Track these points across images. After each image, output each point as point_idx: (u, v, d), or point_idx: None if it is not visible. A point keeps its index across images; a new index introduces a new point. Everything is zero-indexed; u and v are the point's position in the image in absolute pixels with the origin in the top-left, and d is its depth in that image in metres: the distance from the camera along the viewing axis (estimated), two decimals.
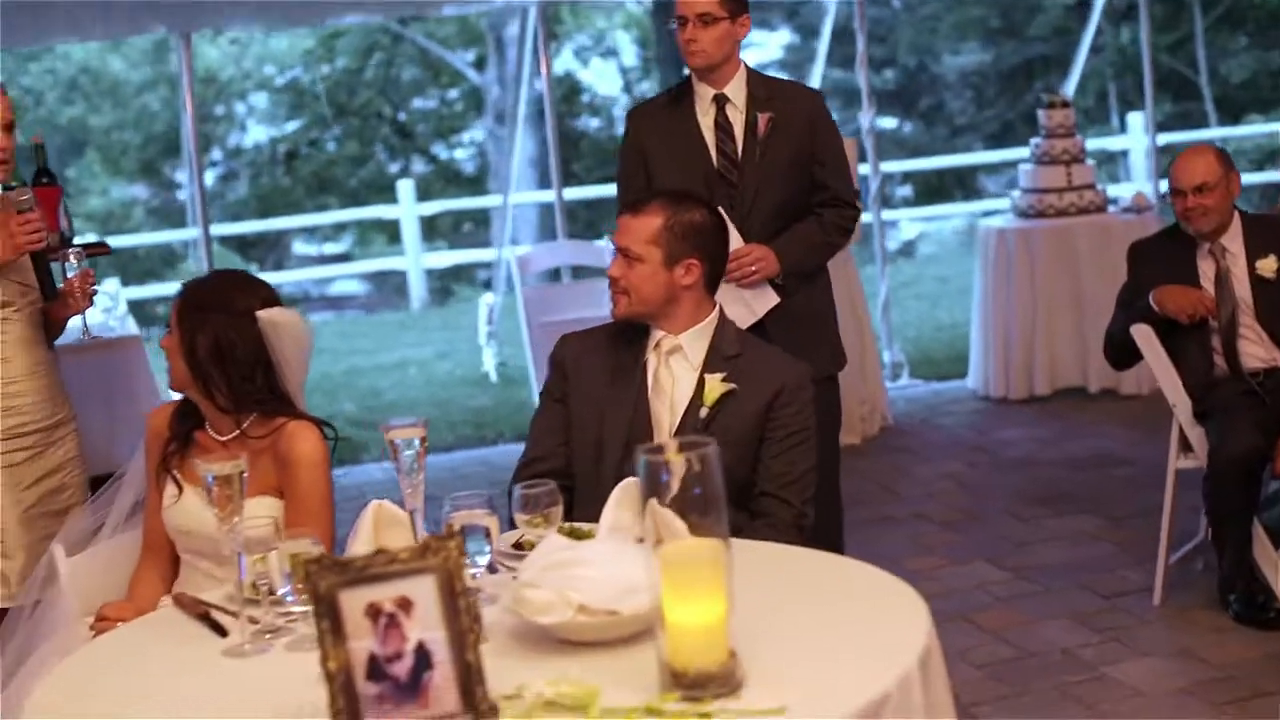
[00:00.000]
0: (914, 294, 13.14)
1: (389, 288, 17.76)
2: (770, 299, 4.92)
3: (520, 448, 4.17)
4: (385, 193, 18.98)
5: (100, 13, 8.00)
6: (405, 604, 2.52)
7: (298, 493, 3.62)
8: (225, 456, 3.67)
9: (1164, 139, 15.43)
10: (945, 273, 14.74)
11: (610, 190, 15.43)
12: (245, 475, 3.06)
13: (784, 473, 3.90)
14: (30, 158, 5.88)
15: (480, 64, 19.36)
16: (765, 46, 23.53)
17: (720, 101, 5.03)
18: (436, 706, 2.50)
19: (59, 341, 4.71)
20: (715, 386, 3.92)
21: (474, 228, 19.83)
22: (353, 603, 2.50)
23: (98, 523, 4.04)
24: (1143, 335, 5.59)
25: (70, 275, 4.57)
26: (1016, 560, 6.29)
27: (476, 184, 20.27)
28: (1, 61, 18.73)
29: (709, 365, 3.97)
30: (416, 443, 3.23)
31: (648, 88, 22.71)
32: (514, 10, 15.09)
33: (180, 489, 3.78)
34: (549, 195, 13.41)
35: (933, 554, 6.45)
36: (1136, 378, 8.64)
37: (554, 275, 9.94)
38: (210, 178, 21.19)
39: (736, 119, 5.03)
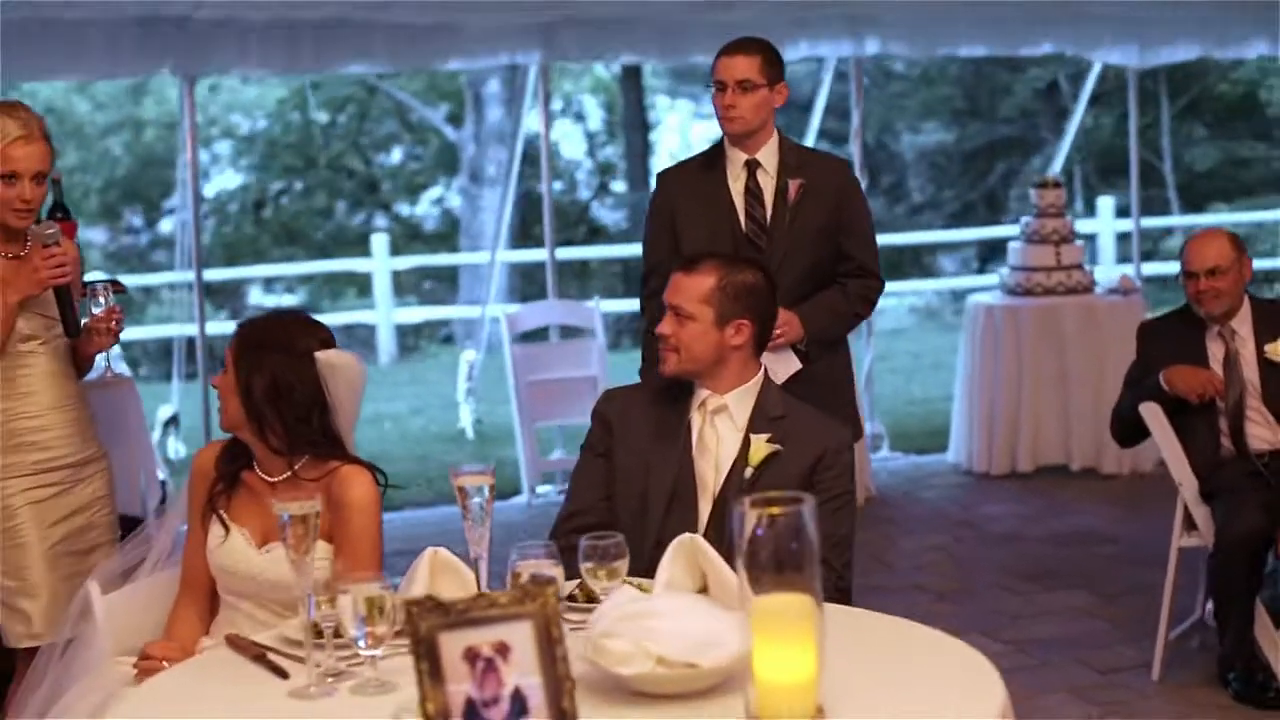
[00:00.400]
0: (888, 368, 13.23)
1: (355, 341, 17.73)
2: (792, 365, 4.96)
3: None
4: (351, 246, 18.97)
5: (107, 51, 7.98)
6: (503, 649, 2.53)
7: (349, 536, 3.60)
8: (277, 497, 3.68)
9: (1128, 225, 15.63)
10: (913, 348, 14.84)
11: (571, 253, 15.63)
12: (319, 515, 3.06)
13: (827, 535, 3.89)
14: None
15: (454, 120, 19.40)
16: None
17: (752, 167, 5.09)
18: None
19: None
20: (760, 447, 3.95)
21: (434, 285, 19.84)
22: (452, 646, 2.51)
23: (134, 561, 4.01)
24: (1151, 413, 5.66)
25: (97, 311, 4.55)
26: (1012, 634, 6.33)
27: (443, 241, 20.27)
28: None
29: (754, 426, 4.00)
30: (485, 490, 3.25)
31: (611, 152, 22.82)
32: (496, 69, 15.24)
33: (226, 529, 3.76)
34: (531, 255, 13.52)
35: (931, 626, 6.45)
36: (1118, 458, 8.75)
37: (539, 334, 9.96)
38: (169, 224, 21.12)
39: (767, 184, 5.08)
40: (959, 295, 18.67)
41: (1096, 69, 10.66)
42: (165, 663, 3.54)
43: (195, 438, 10.36)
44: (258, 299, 20.39)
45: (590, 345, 9.13)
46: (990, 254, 20.37)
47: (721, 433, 4.02)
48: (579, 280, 18.07)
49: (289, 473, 3.75)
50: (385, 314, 14.85)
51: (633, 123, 21.28)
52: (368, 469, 3.77)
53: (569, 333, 9.86)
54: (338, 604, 2.99)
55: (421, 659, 2.48)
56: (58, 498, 4.46)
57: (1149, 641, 5.86)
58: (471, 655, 2.51)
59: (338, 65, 8.80)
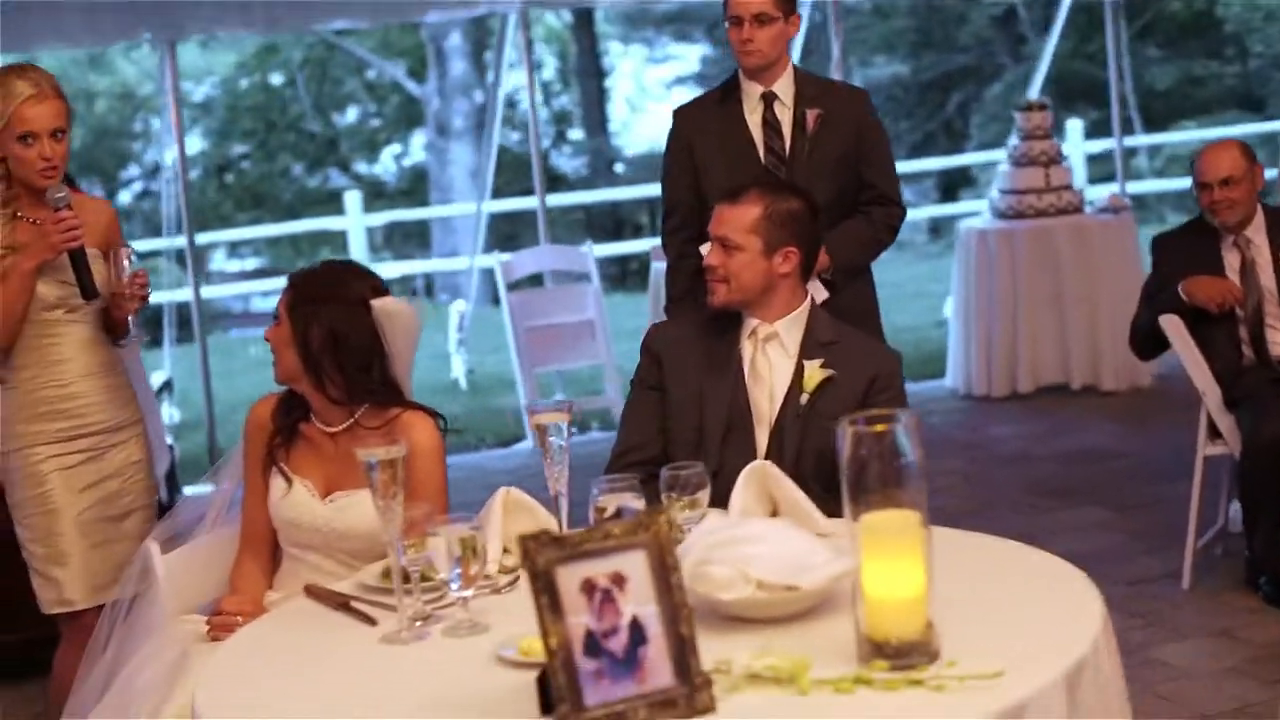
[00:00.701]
0: None
1: None
2: (820, 294, 4.95)
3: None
4: (317, 206, 18.87)
5: (86, 20, 7.91)
6: (619, 579, 2.53)
7: (414, 482, 3.53)
8: (334, 448, 3.68)
9: (1097, 145, 15.69)
10: (892, 279, 14.84)
11: (559, 199, 15.61)
12: (405, 460, 3.05)
13: None
14: None
15: (415, 75, 19.31)
16: (685, 59, 23.70)
17: (768, 99, 5.06)
18: (652, 681, 2.51)
19: None
20: (814, 373, 3.95)
21: (402, 240, 19.80)
22: (569, 579, 2.50)
23: (192, 520, 4.00)
24: (1172, 325, 5.68)
25: (124, 276, 4.44)
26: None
27: (407, 196, 20.21)
28: None
29: (805, 352, 4.00)
30: (564, 427, 3.24)
31: (566, 100, 22.76)
32: (458, 22, 15.17)
33: (289, 482, 3.75)
34: (520, 203, 13.45)
35: None
36: (1116, 374, 8.83)
37: (531, 281, 9.96)
38: (127, 195, 20.98)
39: (784, 116, 5.06)
40: (935, 225, 18.74)
41: None
42: (240, 617, 3.53)
43: (191, 402, 10.35)
44: (220, 264, 20.30)
45: (586, 289, 9.12)
46: (952, 183, 20.44)
47: (774, 360, 4.02)
48: (533, 230, 18.03)
49: (350, 421, 3.73)
50: None
51: (587, 70, 21.24)
52: (429, 414, 3.74)
53: (559, 278, 9.85)
54: (430, 546, 2.98)
55: (541, 593, 2.48)
56: (87, 464, 4.42)
57: (1171, 552, 5.91)
58: (589, 587, 2.51)
59: (316, 22, 8.79)
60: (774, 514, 3.52)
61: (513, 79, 20.82)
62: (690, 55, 23.66)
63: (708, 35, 22.68)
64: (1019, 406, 8.83)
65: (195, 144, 20.47)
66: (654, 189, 18.71)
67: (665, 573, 2.55)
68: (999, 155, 16.84)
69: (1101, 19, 12.96)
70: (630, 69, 23.77)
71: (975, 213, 12.15)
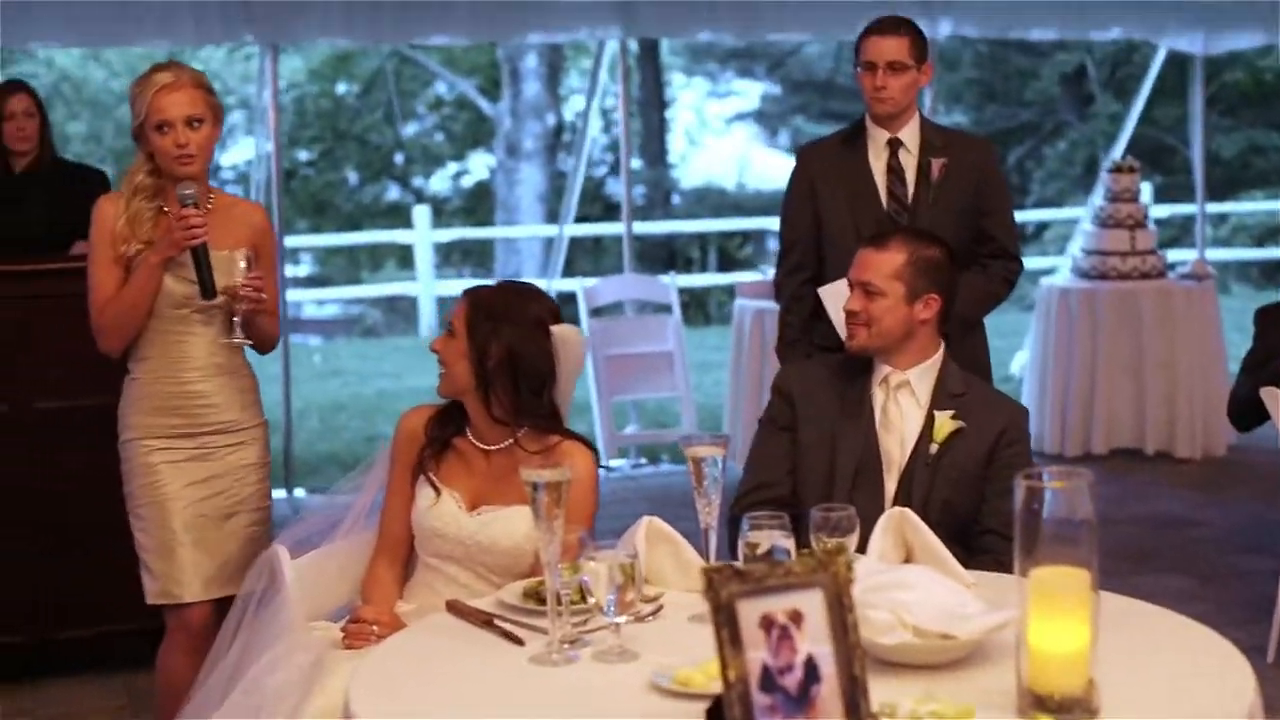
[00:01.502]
0: None
1: (396, 314, 17.73)
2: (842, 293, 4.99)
3: None
4: (377, 219, 18.94)
5: (194, 19, 7.99)
6: (797, 617, 2.54)
7: (570, 510, 3.58)
8: (487, 465, 3.72)
9: (1158, 211, 15.68)
10: None
11: (597, 229, 15.65)
12: (569, 484, 3.08)
13: (1008, 511, 3.88)
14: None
15: (486, 93, 19.38)
16: (746, 96, 23.75)
17: (894, 145, 5.09)
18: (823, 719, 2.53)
19: None
20: (945, 424, 3.98)
21: (461, 258, 19.85)
22: (749, 613, 2.52)
23: (324, 525, 4.03)
24: (1272, 397, 5.68)
25: (239, 277, 4.41)
26: None
27: (470, 215, 20.28)
28: None
29: (936, 402, 4.02)
30: (719, 460, 3.27)
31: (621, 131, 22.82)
32: (535, 44, 15.23)
33: (437, 492, 3.78)
34: (605, 229, 13.41)
35: None
36: (1191, 441, 8.83)
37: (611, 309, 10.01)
38: None
39: (909, 164, 5.09)
40: None
41: (1161, 54, 10.66)
42: (375, 627, 3.55)
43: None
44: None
45: (666, 321, 9.14)
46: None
47: (904, 408, 4.04)
48: (592, 257, 18.10)
49: (510, 441, 3.78)
50: (427, 286, 14.86)
51: (650, 100, 21.29)
52: (586, 445, 3.81)
53: (637, 307, 9.88)
54: (589, 570, 3.01)
55: (722, 625, 2.49)
56: (198, 462, 4.44)
57: (1257, 625, 5.89)
58: (767, 623, 2.52)
59: (419, 35, 8.81)
60: (907, 561, 3.54)
61: (577, 104, 21.02)
62: (752, 92, 23.72)
63: (770, 73, 22.74)
64: (1092, 468, 8.67)
65: (260, 147, 20.57)
66: (709, 224, 18.85)
67: (842, 613, 2.57)
68: (1068, 213, 16.98)
69: (1173, 84, 13.04)
70: (691, 101, 23.80)
71: (1045, 270, 12.18)
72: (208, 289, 4.33)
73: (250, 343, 4.56)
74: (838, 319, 4.96)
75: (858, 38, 5.09)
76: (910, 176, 5.09)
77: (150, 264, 4.31)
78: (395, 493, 3.87)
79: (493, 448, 3.79)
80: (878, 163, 5.11)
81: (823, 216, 5.11)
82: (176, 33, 8.24)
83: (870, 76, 5.00)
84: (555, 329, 3.77)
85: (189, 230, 4.27)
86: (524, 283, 4.04)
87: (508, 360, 3.71)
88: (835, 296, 5.00)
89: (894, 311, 3.99)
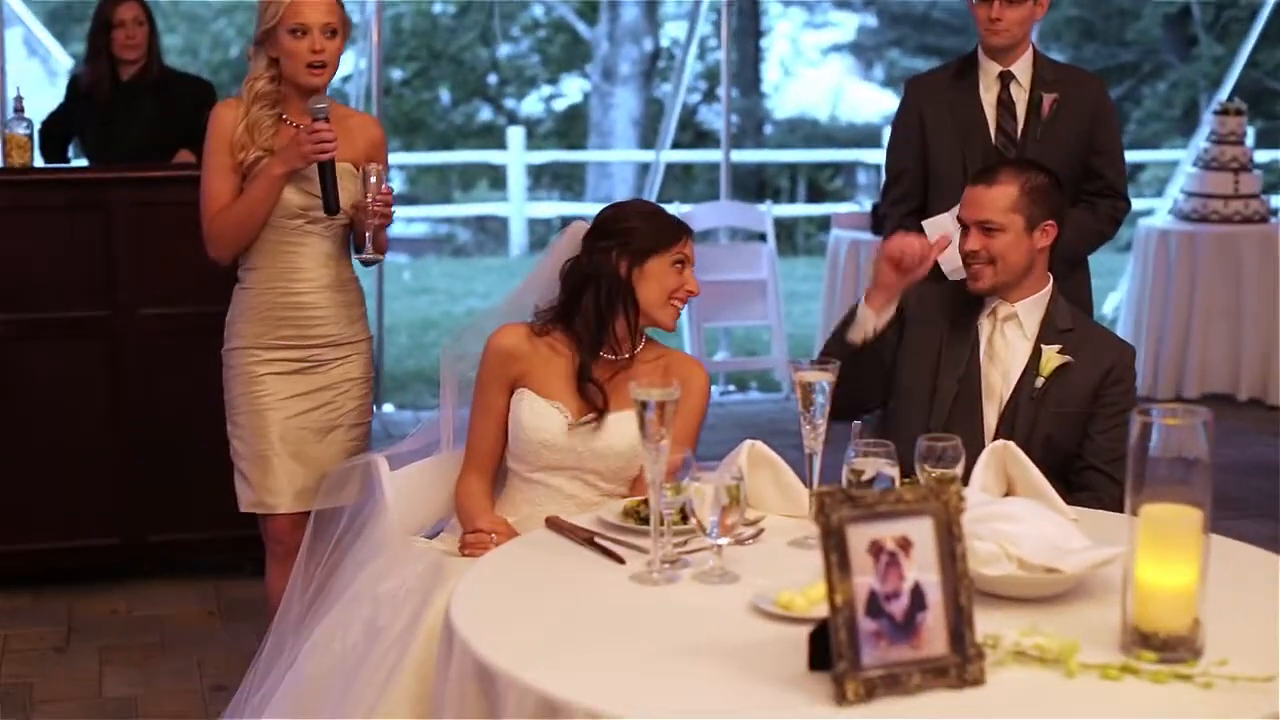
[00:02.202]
0: None
1: (488, 235, 17.77)
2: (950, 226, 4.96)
3: None
4: (468, 139, 18.95)
5: None
6: (905, 544, 2.55)
7: (679, 420, 3.56)
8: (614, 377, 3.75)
9: (1260, 156, 15.44)
10: None
11: (690, 156, 15.61)
12: (677, 403, 3.07)
13: (1112, 449, 3.92)
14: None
15: (582, 16, 19.33)
16: (843, 27, 23.58)
17: (1005, 79, 5.03)
18: (927, 648, 2.53)
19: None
20: (1052, 358, 3.95)
21: (551, 180, 19.87)
22: (859, 538, 2.53)
23: (428, 441, 4.06)
24: None
25: (370, 193, 4.39)
26: None
27: (562, 138, 20.27)
28: None
29: (1043, 336, 4.00)
30: (827, 386, 3.26)
31: (721, 57, 22.75)
32: None
33: (548, 404, 3.80)
34: (704, 155, 13.34)
35: None
36: None
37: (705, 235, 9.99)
38: None
39: (1020, 98, 5.02)
40: None
41: (1271, 1, 10.47)
42: (494, 536, 3.58)
43: None
44: None
45: (761, 249, 9.12)
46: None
47: (1011, 340, 4.02)
48: (682, 184, 18.07)
49: (633, 353, 3.84)
50: (518, 207, 14.88)
51: (745, 30, 21.19)
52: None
53: (732, 234, 9.87)
54: (694, 491, 3.01)
55: (831, 550, 2.50)
56: (303, 373, 4.46)
57: None
58: (876, 549, 2.53)
59: None
60: (1008, 495, 3.53)
61: (674, 29, 20.97)
62: (849, 24, 23.55)
63: (867, 6, 22.55)
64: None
65: (356, 64, 20.62)
66: (802, 154, 18.76)
67: (950, 542, 2.57)
68: (1167, 155, 16.77)
69: (1278, 27, 12.84)
70: (787, 31, 23.65)
71: (1141, 211, 12.03)
72: (332, 205, 4.34)
73: (381, 258, 4.58)
74: (944, 254, 4.94)
75: None
76: (1021, 111, 5.02)
77: (273, 174, 4.29)
78: (486, 411, 3.86)
79: (615, 357, 3.82)
80: (988, 95, 5.05)
81: (930, 149, 5.07)
82: None
83: (986, 7, 4.93)
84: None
85: (320, 144, 4.26)
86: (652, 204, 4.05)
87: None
88: (939, 229, 4.97)
89: (1017, 245, 3.96)
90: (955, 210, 4.91)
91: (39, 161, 6.41)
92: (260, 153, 4.33)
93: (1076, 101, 5.02)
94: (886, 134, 5.46)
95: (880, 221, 5.27)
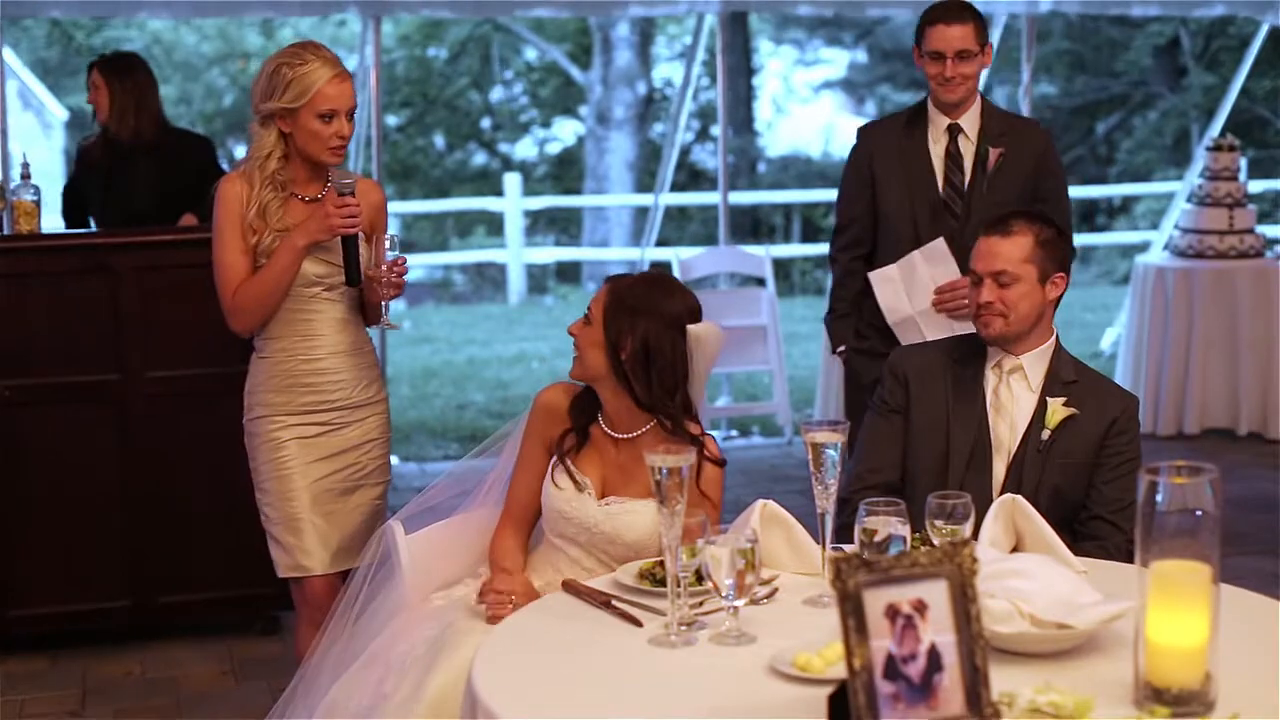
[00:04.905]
0: None
1: (485, 281, 17.82)
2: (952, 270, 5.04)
3: None
4: (463, 184, 19.00)
5: None
6: (921, 607, 2.59)
7: (693, 498, 3.49)
8: (616, 453, 3.79)
9: (1251, 186, 15.50)
10: None
11: (686, 199, 15.67)
12: (691, 469, 3.12)
13: (1117, 499, 3.97)
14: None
15: (576, 61, 19.40)
16: (834, 64, 23.67)
17: (954, 131, 5.15)
18: (944, 709, 2.57)
19: None
20: (1058, 410, 4.00)
21: (546, 224, 19.91)
22: (875, 602, 2.57)
23: (453, 494, 4.10)
24: None
25: (384, 262, 4.44)
26: None
27: (557, 182, 20.34)
28: (75, 26, 18.98)
29: (1048, 389, 4.04)
30: (839, 445, 3.31)
31: (714, 95, 22.79)
32: (622, 16, 15.21)
33: (576, 484, 3.83)
34: (702, 198, 13.30)
35: None
36: None
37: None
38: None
39: (967, 150, 5.15)
40: (1084, 252, 18.59)
41: (1264, 30, 10.54)
42: (513, 597, 3.61)
43: None
44: None
45: (760, 294, 9.17)
46: (1091, 210, 20.27)
47: (1016, 393, 4.06)
48: (677, 224, 18.13)
49: (640, 432, 3.83)
50: (516, 253, 14.94)
51: (737, 68, 21.25)
52: (713, 447, 3.85)
53: (731, 280, 9.91)
54: (709, 554, 3.05)
55: (848, 614, 2.54)
56: (325, 436, 4.51)
57: None
58: (892, 612, 2.57)
59: (520, 9, 8.85)
60: (1016, 548, 3.58)
61: (666, 70, 21.03)
62: (840, 60, 23.65)
63: (858, 42, 22.65)
64: (1185, 447, 8.80)
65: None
66: (796, 194, 18.80)
67: (965, 604, 2.61)
68: (1161, 188, 16.83)
69: (1268, 56, 12.90)
70: (779, 69, 23.75)
71: (1136, 244, 12.11)
72: (355, 277, 4.40)
73: (397, 326, 4.63)
74: (886, 304, 5.05)
75: (921, 24, 5.11)
76: (968, 164, 5.15)
77: (297, 248, 4.34)
78: (527, 464, 3.91)
79: (622, 436, 3.84)
80: (936, 148, 5.17)
81: (879, 196, 5.20)
82: (283, 6, 8.34)
83: (939, 65, 5.04)
84: (692, 328, 3.78)
85: (350, 219, 4.32)
86: (666, 275, 4.06)
87: (641, 354, 3.74)
88: (884, 282, 5.09)
89: (1030, 296, 4.00)
90: (901, 262, 5.03)
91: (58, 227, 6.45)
92: (275, 235, 4.38)
93: (1021, 153, 5.14)
94: None
95: (830, 265, 5.36)
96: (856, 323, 5.29)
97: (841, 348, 5.32)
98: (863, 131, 5.37)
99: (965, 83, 5.06)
